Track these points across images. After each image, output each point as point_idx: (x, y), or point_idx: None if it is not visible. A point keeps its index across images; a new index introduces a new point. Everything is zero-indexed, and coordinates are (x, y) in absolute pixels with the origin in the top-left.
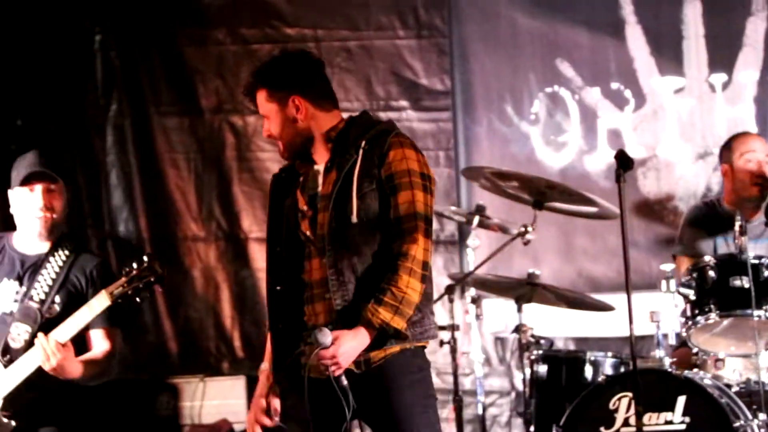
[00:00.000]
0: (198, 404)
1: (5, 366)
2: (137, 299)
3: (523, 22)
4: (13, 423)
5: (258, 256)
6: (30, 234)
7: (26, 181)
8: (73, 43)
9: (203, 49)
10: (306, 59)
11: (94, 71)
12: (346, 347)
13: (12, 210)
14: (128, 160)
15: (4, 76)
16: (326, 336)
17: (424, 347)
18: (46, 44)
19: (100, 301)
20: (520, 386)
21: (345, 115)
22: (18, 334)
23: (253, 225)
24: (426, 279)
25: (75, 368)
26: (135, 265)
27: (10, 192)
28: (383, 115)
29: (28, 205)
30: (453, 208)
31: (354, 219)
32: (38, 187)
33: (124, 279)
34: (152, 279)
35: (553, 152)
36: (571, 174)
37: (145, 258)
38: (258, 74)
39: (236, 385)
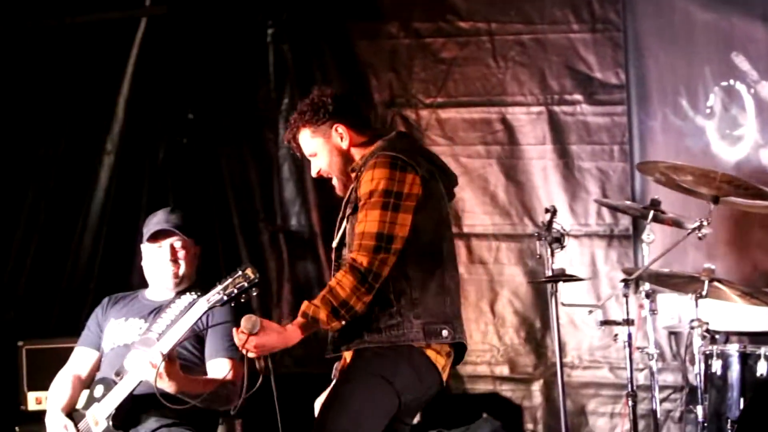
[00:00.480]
0: None
1: (116, 384)
2: (231, 304)
3: (697, 16)
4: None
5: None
6: (159, 286)
7: (154, 237)
8: (245, 37)
9: (376, 42)
10: (335, 92)
11: (267, 64)
12: (264, 339)
13: (143, 263)
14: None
15: (176, 69)
16: (255, 327)
17: (410, 348)
18: (219, 37)
19: (199, 307)
20: (694, 381)
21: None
22: (134, 357)
23: None
24: (379, 289)
25: (180, 381)
26: (231, 273)
27: (141, 246)
28: (557, 109)
29: (155, 259)
30: (627, 202)
31: (337, 243)
32: (165, 242)
33: (219, 287)
34: (246, 284)
35: (729, 146)
36: (746, 168)
37: (241, 266)
38: (296, 116)
39: None
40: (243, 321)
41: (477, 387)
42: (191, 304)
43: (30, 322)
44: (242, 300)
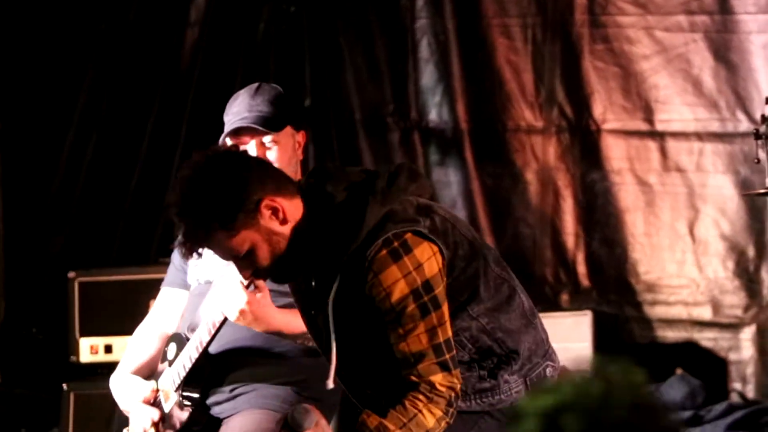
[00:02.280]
0: None
1: (188, 340)
2: None
3: None
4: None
5: (613, 153)
6: None
7: (235, 134)
8: None
9: None
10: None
11: None
12: None
13: None
14: (444, 25)
15: None
16: (306, 425)
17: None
18: None
19: None
20: None
21: None
22: (210, 296)
23: (607, 112)
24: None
25: (273, 315)
26: None
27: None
28: None
29: None
30: None
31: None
32: (251, 142)
33: None
34: None
35: None
36: None
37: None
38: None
39: (579, 323)
40: (297, 411)
41: (669, 334)
42: None
43: (85, 247)
44: None
